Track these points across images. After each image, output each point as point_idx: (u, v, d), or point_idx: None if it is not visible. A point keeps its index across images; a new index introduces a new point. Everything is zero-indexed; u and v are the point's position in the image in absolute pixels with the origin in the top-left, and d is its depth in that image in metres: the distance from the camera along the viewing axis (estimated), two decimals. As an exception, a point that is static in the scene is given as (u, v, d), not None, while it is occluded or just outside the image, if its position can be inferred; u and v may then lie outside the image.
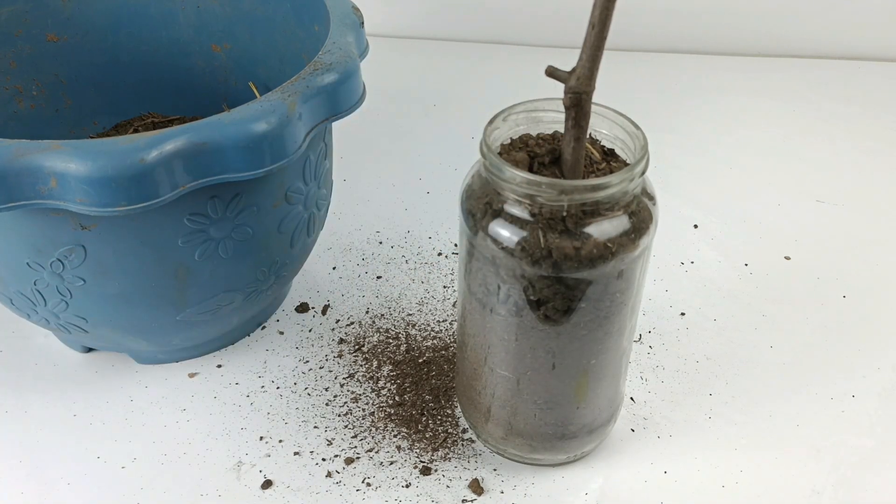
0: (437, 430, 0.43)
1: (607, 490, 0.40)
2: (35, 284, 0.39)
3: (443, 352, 0.47)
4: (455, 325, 0.49)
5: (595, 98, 0.31)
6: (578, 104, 0.31)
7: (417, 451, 0.42)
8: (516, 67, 0.77)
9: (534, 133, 0.35)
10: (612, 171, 0.33)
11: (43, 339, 0.49)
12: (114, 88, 0.55)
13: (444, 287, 0.52)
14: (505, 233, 0.32)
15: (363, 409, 0.44)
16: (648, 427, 0.43)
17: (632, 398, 0.45)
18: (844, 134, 0.69)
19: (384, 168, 0.64)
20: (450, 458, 0.41)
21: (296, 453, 0.42)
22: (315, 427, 0.43)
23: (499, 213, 0.33)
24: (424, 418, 0.43)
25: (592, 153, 0.34)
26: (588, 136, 0.33)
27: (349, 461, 0.41)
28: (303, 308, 0.51)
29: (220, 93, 0.55)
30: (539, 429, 0.38)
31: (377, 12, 0.77)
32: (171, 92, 0.56)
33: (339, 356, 0.47)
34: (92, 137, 0.54)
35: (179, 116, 0.56)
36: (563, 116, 0.32)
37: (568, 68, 0.31)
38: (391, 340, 0.48)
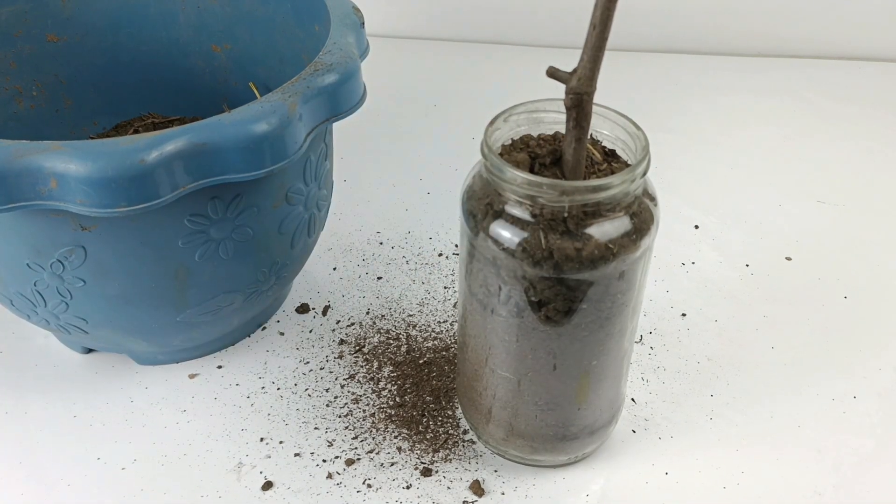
0: (438, 432, 0.43)
1: (608, 491, 0.40)
2: (35, 285, 0.39)
3: (443, 353, 0.47)
4: (456, 326, 0.49)
5: (596, 99, 0.31)
6: (579, 105, 0.31)
7: (418, 452, 0.42)
8: (517, 68, 0.77)
9: (535, 134, 0.35)
10: (613, 172, 0.33)
11: (43, 340, 0.49)
12: (114, 89, 0.55)
13: (445, 288, 0.52)
14: (506, 234, 0.32)
15: (364, 410, 0.44)
16: (649, 428, 0.43)
17: (633, 399, 0.45)
18: (844, 134, 0.69)
19: (385, 168, 0.64)
20: (451, 460, 0.41)
21: (296, 454, 0.42)
22: (316, 428, 0.43)
23: (500, 214, 0.33)
24: (425, 419, 0.43)
25: (594, 154, 0.34)
26: (589, 137, 0.33)
27: (350, 462, 0.41)
28: (303, 309, 0.51)
29: (221, 93, 0.55)
30: (540, 430, 0.38)
31: (377, 12, 0.77)
32: (172, 92, 0.56)
33: (340, 357, 0.47)
34: (92, 138, 0.54)
35: (179, 117, 0.56)
36: (564, 117, 0.32)
37: (569, 69, 0.31)
38: (392, 341, 0.48)
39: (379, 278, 0.53)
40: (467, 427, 0.43)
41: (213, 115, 0.35)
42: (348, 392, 0.45)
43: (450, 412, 0.44)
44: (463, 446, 0.42)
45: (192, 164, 0.34)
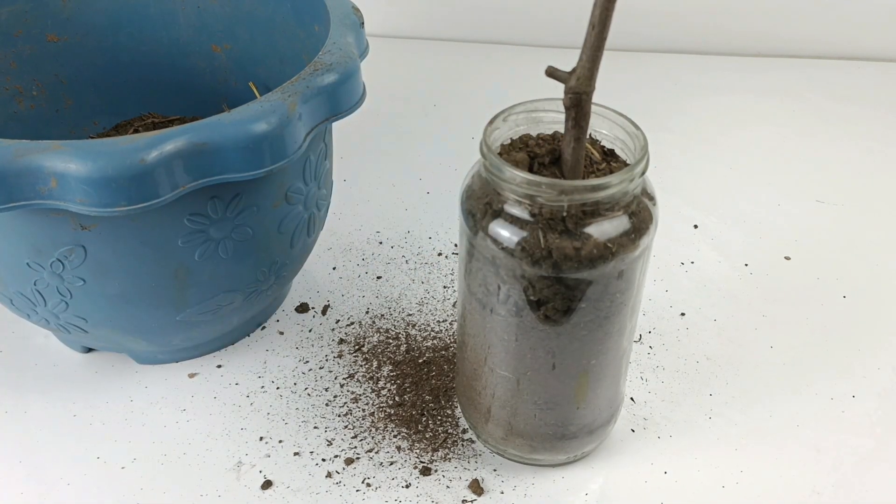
0: (437, 431, 0.43)
1: (607, 490, 0.40)
2: (35, 285, 0.39)
3: (443, 352, 0.47)
4: (455, 326, 0.49)
5: (595, 98, 0.31)
6: (578, 104, 0.31)
7: (417, 451, 0.42)
8: (516, 67, 0.78)
9: (534, 133, 0.35)
10: (612, 172, 0.33)
11: (43, 340, 0.49)
12: (114, 89, 0.55)
13: (444, 287, 0.52)
14: (505, 233, 0.32)
15: (363, 410, 0.44)
16: (648, 427, 0.43)
17: (632, 398, 0.45)
18: (844, 134, 0.69)
19: (384, 168, 0.64)
20: (450, 459, 0.41)
21: (296, 453, 0.42)
22: (315, 427, 0.43)
23: (499, 214, 0.33)
24: (424, 418, 0.43)
25: (592, 153, 0.34)
26: (588, 137, 0.33)
27: (349, 461, 0.41)
28: (303, 308, 0.51)
29: (220, 93, 0.55)
30: (539, 429, 0.38)
31: (377, 12, 0.77)
32: (172, 92, 0.56)
33: (339, 356, 0.47)
34: (92, 138, 0.54)
35: (179, 117, 0.56)
36: (563, 117, 0.32)
37: (568, 69, 0.31)
38: (391, 341, 0.48)
39: (378, 278, 0.53)
40: (466, 426, 0.43)
41: (213, 115, 0.35)
42: (348, 391, 0.45)
43: (449, 411, 0.44)
44: (462, 445, 0.42)
45: (192, 163, 0.34)
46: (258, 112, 0.35)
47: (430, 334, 0.49)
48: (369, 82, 0.43)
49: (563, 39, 0.79)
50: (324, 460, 0.41)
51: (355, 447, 0.42)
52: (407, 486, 0.40)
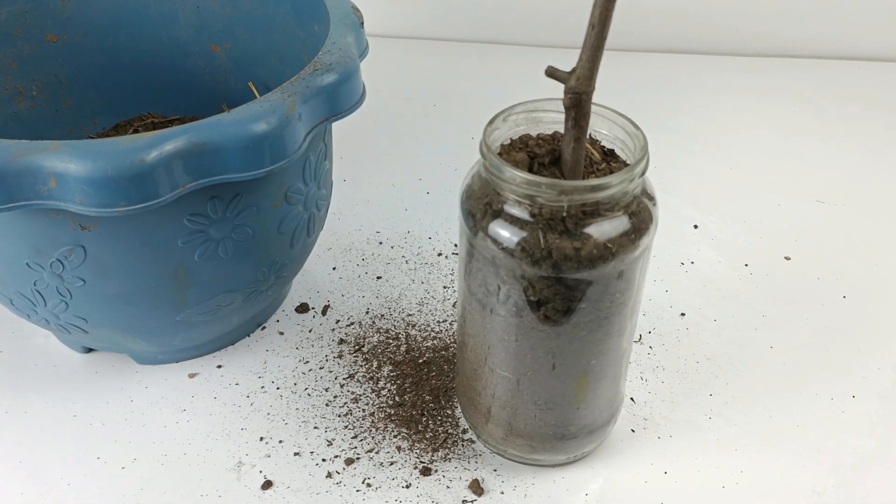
0: (438, 431, 0.43)
1: (607, 490, 0.40)
2: (35, 285, 0.39)
3: (443, 352, 0.47)
4: (455, 326, 0.49)
5: (595, 98, 0.31)
6: (578, 104, 0.31)
7: (417, 451, 0.42)
8: (516, 67, 0.77)
9: (534, 133, 0.35)
10: (612, 172, 0.33)
11: (43, 340, 0.49)
12: (114, 89, 0.55)
13: (444, 287, 0.52)
14: (505, 233, 0.32)
15: (363, 410, 0.44)
16: (648, 427, 0.43)
17: (632, 398, 0.45)
18: (844, 134, 0.69)
19: (384, 168, 0.64)
20: (450, 459, 0.41)
21: (296, 454, 0.42)
22: (315, 427, 0.43)
23: (499, 214, 0.33)
24: (424, 419, 0.43)
25: (592, 153, 0.34)
26: (588, 137, 0.33)
27: (349, 462, 0.41)
28: (303, 308, 0.51)
29: (220, 93, 0.55)
30: (539, 429, 0.38)
31: (377, 12, 0.77)
32: (171, 92, 0.56)
33: (339, 356, 0.47)
34: (92, 138, 0.54)
35: (179, 117, 0.56)
36: (562, 117, 0.32)
37: (568, 68, 0.31)
38: (391, 341, 0.48)
39: (378, 278, 0.53)
40: (466, 426, 0.43)
41: (213, 115, 0.35)
42: (348, 391, 0.45)
43: (449, 411, 0.44)
44: (462, 445, 0.42)
45: (192, 163, 0.34)
46: (258, 112, 0.35)
47: (430, 334, 0.49)
48: (369, 82, 0.43)
49: (563, 39, 0.79)
50: (324, 460, 0.41)
51: (355, 447, 0.42)
52: (407, 487, 0.40)
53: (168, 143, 0.34)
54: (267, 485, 0.40)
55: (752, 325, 0.50)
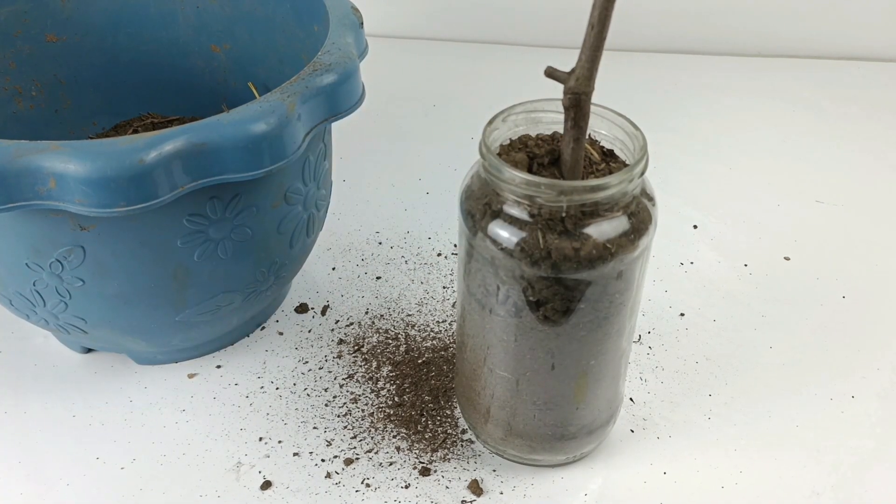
0: (437, 431, 0.43)
1: (606, 491, 0.40)
2: (34, 285, 0.39)
3: (442, 352, 0.47)
4: (454, 326, 0.49)
5: (594, 99, 0.31)
6: (577, 105, 0.31)
7: (417, 451, 0.42)
8: (516, 68, 0.77)
9: (533, 134, 0.35)
10: (611, 172, 0.33)
11: (42, 340, 0.49)
12: (113, 89, 0.55)
13: (444, 288, 0.52)
14: (504, 233, 0.32)
15: (362, 410, 0.44)
16: (648, 428, 0.43)
17: (631, 399, 0.45)
18: (844, 134, 0.69)
19: (384, 168, 0.64)
20: (449, 459, 0.41)
21: (295, 454, 0.42)
22: (314, 428, 0.43)
23: (498, 214, 0.33)
24: (424, 419, 0.43)
25: (592, 154, 0.34)
26: (587, 137, 0.33)
27: (348, 462, 0.41)
28: (302, 309, 0.51)
29: (220, 93, 0.55)
30: (538, 429, 0.38)
31: (377, 12, 0.77)
32: (171, 92, 0.56)
33: (339, 357, 0.47)
34: (91, 138, 0.54)
35: (179, 117, 0.56)
36: (562, 117, 0.32)
37: (567, 69, 0.31)
38: (390, 341, 0.48)
39: (378, 278, 0.53)
40: (466, 427, 0.43)
41: (213, 115, 0.35)
42: (347, 392, 0.45)
43: (448, 412, 0.44)
44: (461, 446, 0.42)
45: (191, 163, 0.34)
46: (257, 112, 0.35)
47: (429, 335, 0.49)
48: (368, 82, 0.43)
49: (562, 39, 0.79)
50: (323, 461, 0.41)
51: (355, 447, 0.42)
52: (406, 487, 0.40)
53: (167, 143, 0.34)
54: (266, 485, 0.40)
55: (752, 326, 0.50)
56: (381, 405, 0.44)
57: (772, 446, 0.42)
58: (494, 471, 0.41)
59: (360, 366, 0.47)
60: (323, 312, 0.51)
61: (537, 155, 0.34)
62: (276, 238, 0.42)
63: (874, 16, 0.79)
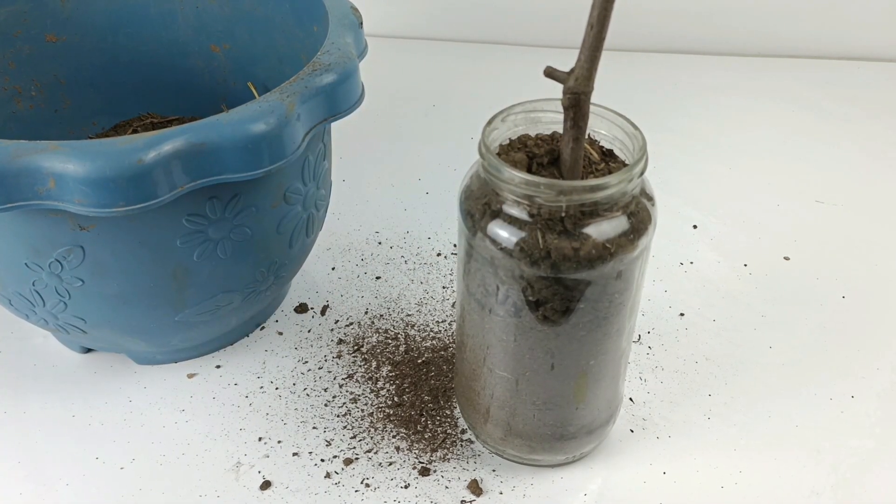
0: (436, 431, 0.43)
1: (606, 491, 0.40)
2: (33, 285, 0.39)
3: (442, 352, 0.47)
4: (454, 326, 0.49)
5: (594, 99, 0.31)
6: (577, 105, 0.31)
7: (416, 451, 0.42)
8: (515, 68, 0.77)
9: (532, 133, 0.35)
10: (610, 172, 0.33)
11: (41, 340, 0.49)
12: (113, 89, 0.55)
13: (444, 287, 0.52)
14: (503, 233, 0.32)
15: (362, 410, 0.44)
16: (647, 428, 0.43)
17: (631, 399, 0.45)
18: (844, 134, 0.69)
19: (383, 168, 0.64)
20: (449, 459, 0.41)
21: (295, 454, 0.42)
22: (314, 428, 0.43)
23: (497, 214, 0.33)
24: (423, 419, 0.43)
25: (591, 154, 0.34)
26: (587, 137, 0.33)
27: (348, 462, 0.41)
28: (302, 308, 0.51)
29: (219, 93, 0.55)
30: (538, 429, 0.38)
31: (376, 12, 0.77)
32: (171, 92, 0.56)
33: (338, 357, 0.47)
34: (91, 138, 0.54)
35: (178, 117, 0.56)
36: (561, 117, 0.32)
37: (567, 69, 0.31)
38: (390, 341, 0.48)
39: (377, 278, 0.53)
40: (465, 426, 0.43)
41: (212, 115, 0.35)
42: (347, 392, 0.45)
43: (448, 412, 0.44)
44: (461, 446, 0.42)
45: (191, 163, 0.34)
46: (257, 112, 0.35)
47: (429, 334, 0.49)
48: (368, 82, 0.43)
49: (562, 39, 0.79)
50: (323, 461, 0.41)
51: (354, 447, 0.42)
52: (406, 487, 0.40)
53: (166, 143, 0.34)
54: (265, 485, 0.40)
55: (752, 326, 0.49)
56: (380, 405, 0.44)
57: (771, 446, 0.42)
58: (494, 471, 0.41)
59: (360, 366, 0.47)
60: (322, 312, 0.51)
61: (536, 155, 0.34)
62: (275, 238, 0.42)
63: (874, 16, 0.79)
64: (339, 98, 0.39)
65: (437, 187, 0.62)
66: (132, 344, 0.44)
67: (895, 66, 0.80)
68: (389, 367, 0.46)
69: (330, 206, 0.51)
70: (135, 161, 0.33)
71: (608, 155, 0.35)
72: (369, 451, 0.42)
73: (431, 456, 0.41)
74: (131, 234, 0.37)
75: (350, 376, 0.46)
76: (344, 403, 0.44)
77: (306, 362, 0.47)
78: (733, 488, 0.40)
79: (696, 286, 0.52)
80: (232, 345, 0.48)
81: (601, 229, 0.32)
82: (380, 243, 0.56)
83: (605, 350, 0.36)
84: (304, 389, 0.45)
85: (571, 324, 0.34)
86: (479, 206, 0.33)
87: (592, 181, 0.31)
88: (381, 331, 0.49)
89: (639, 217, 0.33)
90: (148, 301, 0.40)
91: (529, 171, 0.33)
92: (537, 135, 0.35)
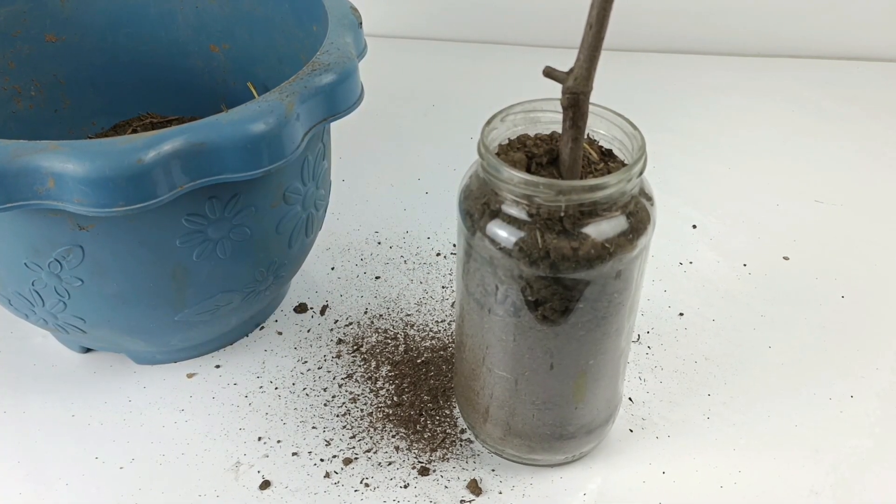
0: (436, 431, 0.43)
1: (605, 490, 0.40)
2: (33, 285, 0.39)
3: (441, 352, 0.47)
4: (453, 326, 0.49)
5: (593, 98, 0.31)
6: (576, 104, 0.31)
7: (416, 451, 0.42)
8: (515, 67, 0.77)
9: (532, 133, 0.35)
10: (609, 172, 0.33)
11: (41, 340, 0.49)
12: (112, 89, 0.55)
13: (443, 287, 0.52)
14: (503, 233, 0.32)
15: (361, 410, 0.44)
16: (647, 427, 0.43)
17: (630, 398, 0.45)
18: (844, 134, 0.69)
19: (383, 168, 0.64)
20: (448, 459, 0.41)
21: (294, 454, 0.42)
22: (313, 427, 0.43)
23: (496, 214, 0.33)
24: (423, 419, 0.43)
25: (590, 153, 0.34)
26: (586, 137, 0.33)
27: (347, 461, 0.41)
28: (301, 308, 0.51)
29: (219, 93, 0.55)
30: (537, 429, 0.38)
31: (376, 12, 0.77)
32: (170, 92, 0.56)
33: (338, 356, 0.47)
34: (90, 138, 0.54)
35: (178, 117, 0.56)
36: (560, 117, 0.32)
37: (566, 68, 0.31)
38: (390, 341, 0.48)
39: (377, 278, 0.53)
40: (465, 426, 0.43)
41: (212, 115, 0.35)
42: (346, 391, 0.45)
43: (447, 411, 0.44)
44: (460, 445, 0.42)
45: (190, 163, 0.34)
46: (256, 112, 0.35)
47: (428, 334, 0.49)
48: (367, 82, 0.43)
49: (561, 39, 0.79)
50: (322, 460, 0.41)
51: (354, 447, 0.42)
52: (405, 487, 0.40)
53: (166, 143, 0.34)
54: (265, 485, 0.40)
55: (751, 325, 0.50)
56: (380, 405, 0.44)
57: (771, 446, 0.42)
58: (493, 470, 0.41)
59: (359, 365, 0.47)
60: (322, 312, 0.51)
61: (536, 154, 0.34)
62: (274, 238, 0.42)
63: (874, 16, 0.79)
64: (339, 98, 0.39)
65: (437, 187, 0.62)
66: (132, 344, 0.44)
67: (895, 66, 0.80)
68: (389, 367, 0.46)
69: (329, 205, 0.51)
70: (134, 161, 0.33)
71: (607, 155, 0.35)
72: (369, 450, 0.42)
73: (431, 456, 0.41)
74: (131, 234, 0.37)
75: (349, 376, 0.46)
76: (343, 403, 0.44)
77: (306, 362, 0.47)
78: (733, 488, 0.40)
79: (696, 286, 0.52)
80: (231, 345, 0.48)
81: (600, 229, 0.32)
82: (379, 243, 0.56)
83: (605, 350, 0.36)
84: (304, 389, 0.45)
85: (570, 323, 0.34)
86: (479, 205, 0.33)
87: (591, 181, 0.31)
88: (380, 331, 0.49)
89: (638, 217, 0.33)
90: (147, 301, 0.40)
91: (528, 170, 0.33)
92: (536, 135, 0.35)
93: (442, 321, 0.49)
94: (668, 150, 0.65)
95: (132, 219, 0.37)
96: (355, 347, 0.48)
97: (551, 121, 0.35)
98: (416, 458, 0.41)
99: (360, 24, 0.44)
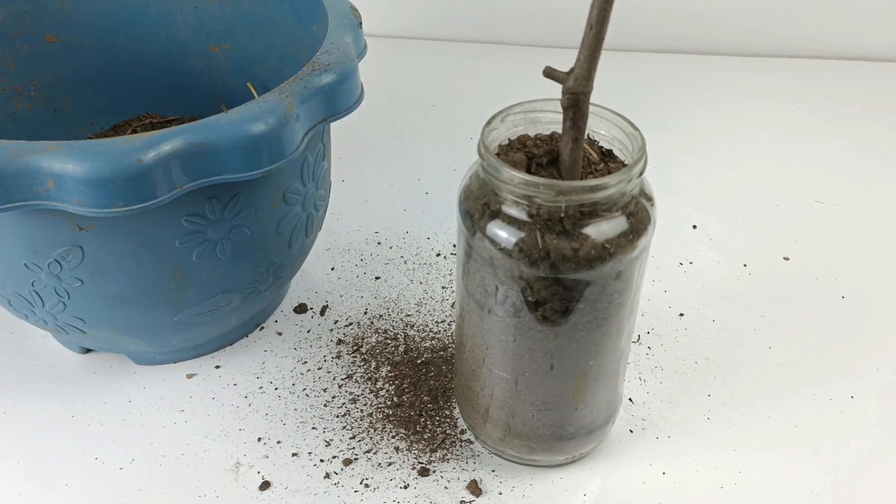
0: (436, 431, 0.43)
1: (606, 491, 0.40)
2: (33, 285, 0.39)
3: (441, 353, 0.47)
4: (453, 326, 0.49)
5: (593, 99, 0.31)
6: (576, 105, 0.31)
7: (416, 452, 0.42)
8: (515, 68, 0.77)
9: (532, 134, 0.35)
10: (610, 172, 0.33)
11: (41, 340, 0.49)
12: (112, 89, 0.55)
13: (443, 288, 0.52)
14: (503, 234, 0.32)
15: (361, 410, 0.44)
16: (647, 428, 0.43)
17: (630, 399, 0.45)
18: (844, 134, 0.69)
19: (383, 168, 0.64)
20: (448, 459, 0.41)
21: (294, 454, 0.42)
22: (313, 428, 0.43)
23: (496, 214, 0.33)
24: (423, 419, 0.43)
25: (590, 154, 0.34)
26: (586, 137, 0.33)
27: (347, 462, 0.41)
28: (301, 309, 0.51)
29: (219, 93, 0.55)
30: (537, 430, 0.38)
31: (376, 12, 0.77)
32: (170, 92, 0.56)
33: (338, 357, 0.47)
34: (90, 138, 0.54)
35: (178, 117, 0.56)
36: (560, 117, 0.32)
37: (566, 69, 0.31)
38: (389, 341, 0.48)
39: (377, 278, 0.53)
40: (465, 427, 0.43)
41: (212, 115, 0.35)
42: (346, 392, 0.45)
43: (447, 412, 0.44)
44: (460, 446, 0.42)
45: (190, 164, 0.34)
46: (256, 112, 0.35)
47: (428, 335, 0.49)
48: (367, 82, 0.43)
49: (561, 39, 0.79)
50: (322, 461, 0.41)
51: (353, 448, 0.42)
52: (405, 487, 0.40)
53: (166, 143, 0.33)
54: (265, 485, 0.40)
55: (751, 326, 0.49)
56: (379, 405, 0.44)
57: (771, 446, 0.42)
58: (493, 471, 0.41)
59: (359, 366, 0.47)
60: (322, 312, 0.51)
61: (536, 155, 0.34)
62: (274, 238, 0.42)
63: (874, 16, 0.79)
64: (339, 98, 0.39)
65: (437, 187, 0.62)
66: (131, 344, 0.44)
67: (895, 66, 0.80)
68: (389, 368, 0.46)
69: (329, 206, 0.51)
70: (134, 161, 0.33)
71: (607, 155, 0.35)
72: (369, 451, 0.42)
73: (431, 456, 0.41)
74: (130, 235, 0.37)
75: (349, 376, 0.46)
76: (343, 404, 0.44)
77: (305, 362, 0.47)
78: (733, 488, 0.40)
79: (696, 286, 0.52)
80: (231, 345, 0.48)
81: (600, 229, 0.32)
82: (379, 243, 0.56)
83: (605, 350, 0.36)
84: (304, 390, 0.45)
85: (571, 324, 0.34)
86: (479, 206, 0.33)
87: (591, 181, 0.31)
88: (380, 331, 0.49)
89: (638, 217, 0.33)
90: (147, 301, 0.40)
91: (528, 171, 0.33)
92: (536, 135, 0.35)
93: (442, 321, 0.49)
94: (668, 150, 0.65)
95: (132, 219, 0.37)
96: (355, 348, 0.48)
97: (551, 121, 0.35)
98: (416, 458, 0.41)
99: (360, 24, 0.44)
